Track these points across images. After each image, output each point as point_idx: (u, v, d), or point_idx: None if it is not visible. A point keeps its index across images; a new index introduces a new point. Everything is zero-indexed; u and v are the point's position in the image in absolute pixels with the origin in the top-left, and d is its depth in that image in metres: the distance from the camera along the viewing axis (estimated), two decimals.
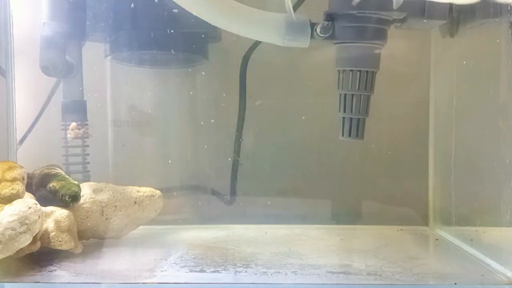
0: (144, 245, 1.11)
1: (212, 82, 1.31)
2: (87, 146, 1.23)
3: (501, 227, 0.98)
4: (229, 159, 1.29)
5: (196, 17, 1.01)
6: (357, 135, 1.08)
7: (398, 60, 1.27)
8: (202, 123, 1.30)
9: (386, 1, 1.01)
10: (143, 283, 0.88)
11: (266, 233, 1.22)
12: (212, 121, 1.29)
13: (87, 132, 1.22)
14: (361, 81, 1.06)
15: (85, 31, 1.18)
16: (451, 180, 1.17)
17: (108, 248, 1.07)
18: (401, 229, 1.26)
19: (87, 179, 1.21)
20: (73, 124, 1.20)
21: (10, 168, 0.99)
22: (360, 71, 1.05)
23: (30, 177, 1.06)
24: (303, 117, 1.29)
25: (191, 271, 0.94)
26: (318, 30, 1.03)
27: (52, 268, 0.94)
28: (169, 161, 1.31)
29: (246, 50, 1.24)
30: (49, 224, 0.97)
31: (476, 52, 1.11)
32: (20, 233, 0.88)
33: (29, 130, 1.27)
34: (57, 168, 1.10)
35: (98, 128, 1.25)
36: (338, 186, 1.31)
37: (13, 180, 0.97)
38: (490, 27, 1.04)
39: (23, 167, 1.02)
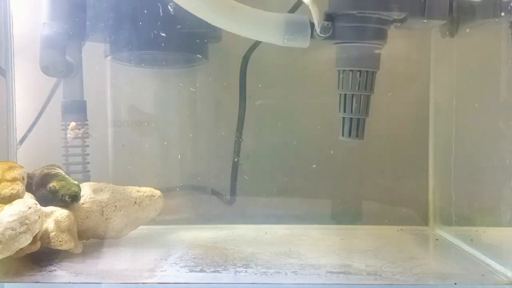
0: (144, 245, 1.11)
1: (212, 82, 1.31)
2: (87, 146, 1.23)
3: (501, 227, 0.98)
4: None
5: (196, 17, 1.01)
6: (357, 135, 1.08)
7: (398, 60, 1.27)
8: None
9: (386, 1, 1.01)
10: (143, 283, 0.88)
11: (266, 233, 1.22)
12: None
13: (87, 132, 1.22)
14: (361, 81, 1.05)
15: (85, 31, 1.18)
16: (451, 180, 1.17)
17: (108, 248, 1.07)
18: (401, 229, 1.26)
19: (87, 179, 1.21)
20: (73, 124, 1.20)
21: (10, 168, 0.99)
22: (360, 71, 1.05)
23: (30, 177, 1.06)
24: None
25: (191, 271, 0.94)
26: (318, 30, 1.03)
27: (52, 268, 0.94)
28: (169, 161, 1.31)
29: (246, 50, 1.24)
30: (49, 224, 0.97)
31: (476, 52, 1.11)
32: (20, 233, 0.88)
33: (29, 130, 1.27)
34: (57, 168, 1.10)
35: (98, 128, 1.25)
36: (338, 186, 1.31)
37: (13, 180, 0.97)
38: (490, 27, 1.04)
39: (23, 167, 1.02)
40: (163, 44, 1.17)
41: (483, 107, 1.08)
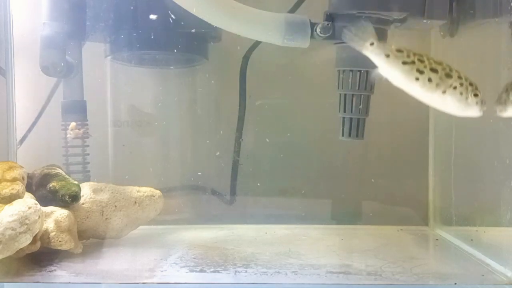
0: (144, 245, 1.11)
1: (212, 82, 1.31)
2: (87, 146, 1.23)
3: (501, 227, 0.98)
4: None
5: (196, 17, 1.01)
6: (357, 135, 1.08)
7: None
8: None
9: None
10: (143, 283, 0.88)
11: (266, 233, 1.22)
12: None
13: (87, 132, 1.22)
14: (361, 81, 1.05)
15: (85, 31, 1.18)
16: (451, 180, 1.17)
17: (108, 248, 1.07)
18: (401, 229, 1.26)
19: (87, 179, 1.21)
20: (73, 124, 1.20)
21: (10, 168, 0.99)
22: (360, 71, 1.05)
23: (30, 177, 1.06)
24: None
25: (191, 271, 0.94)
26: (318, 30, 1.03)
27: (52, 268, 0.94)
28: (170, 162, 1.31)
29: (246, 50, 1.24)
30: (49, 224, 0.97)
31: (476, 52, 1.11)
32: (20, 233, 0.88)
33: (29, 130, 1.27)
34: (57, 168, 1.10)
35: (98, 128, 1.25)
36: (338, 186, 1.31)
37: (13, 180, 0.97)
38: (490, 27, 1.04)
39: (23, 167, 1.02)
40: (163, 44, 1.17)
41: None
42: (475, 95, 0.85)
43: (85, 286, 0.88)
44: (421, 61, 0.85)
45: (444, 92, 0.85)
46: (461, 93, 0.84)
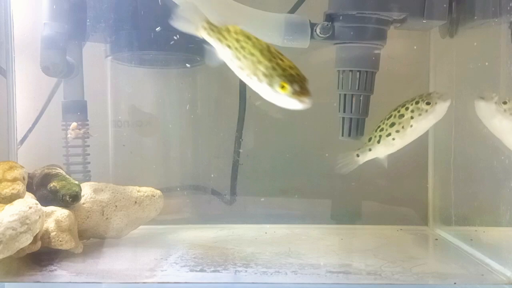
0: (145, 244, 1.11)
1: (212, 82, 1.31)
2: (88, 146, 1.23)
3: (501, 227, 0.99)
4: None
5: None
6: (356, 135, 1.08)
7: (398, 60, 1.27)
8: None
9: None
10: (143, 282, 0.88)
11: (266, 233, 1.22)
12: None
13: (88, 132, 1.22)
14: (361, 81, 1.06)
15: (86, 31, 1.18)
16: (451, 180, 1.17)
17: (109, 248, 1.07)
18: (401, 229, 1.26)
19: (87, 179, 1.21)
20: (74, 124, 1.20)
21: (11, 168, 0.99)
22: (360, 71, 1.05)
23: (30, 177, 1.06)
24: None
25: (191, 270, 0.94)
26: (318, 30, 1.03)
27: (53, 267, 0.94)
28: (172, 163, 1.31)
29: None
30: (50, 224, 0.97)
31: (476, 52, 1.11)
32: (20, 233, 0.88)
33: (29, 130, 1.27)
34: (58, 168, 1.10)
35: (99, 128, 1.25)
36: (338, 186, 1.31)
37: (14, 180, 0.97)
38: (490, 27, 1.04)
39: (23, 167, 1.03)
40: (163, 45, 1.17)
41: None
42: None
43: (85, 286, 0.88)
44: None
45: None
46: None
